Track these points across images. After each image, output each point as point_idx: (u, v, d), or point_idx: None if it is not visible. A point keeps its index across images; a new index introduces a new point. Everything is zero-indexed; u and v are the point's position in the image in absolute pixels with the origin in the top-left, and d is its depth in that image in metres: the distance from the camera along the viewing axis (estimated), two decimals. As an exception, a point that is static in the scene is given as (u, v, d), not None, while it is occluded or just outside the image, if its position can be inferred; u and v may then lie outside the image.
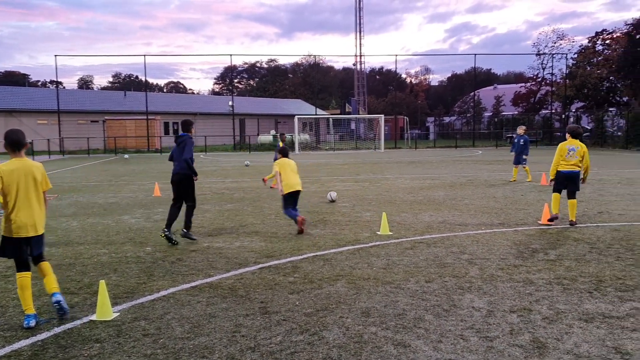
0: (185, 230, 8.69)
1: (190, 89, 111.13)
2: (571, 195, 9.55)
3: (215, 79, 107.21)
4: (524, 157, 17.12)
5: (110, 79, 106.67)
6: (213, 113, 58.83)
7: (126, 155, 39.65)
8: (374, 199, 13.42)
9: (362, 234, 9.09)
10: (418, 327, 4.78)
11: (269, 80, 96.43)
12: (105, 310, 5.15)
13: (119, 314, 5.25)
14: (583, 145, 9.52)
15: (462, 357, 4.16)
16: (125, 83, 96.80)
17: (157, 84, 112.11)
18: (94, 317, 5.13)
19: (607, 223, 9.80)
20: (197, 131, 51.47)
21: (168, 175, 9.15)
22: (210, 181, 18.98)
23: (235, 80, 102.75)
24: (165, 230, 8.44)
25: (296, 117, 45.12)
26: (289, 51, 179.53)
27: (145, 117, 47.10)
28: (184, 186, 8.58)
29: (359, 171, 22.71)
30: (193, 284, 6.29)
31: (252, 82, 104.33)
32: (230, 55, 64.76)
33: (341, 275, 6.53)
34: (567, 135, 9.73)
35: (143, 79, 55.17)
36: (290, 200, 9.39)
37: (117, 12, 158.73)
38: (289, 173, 9.43)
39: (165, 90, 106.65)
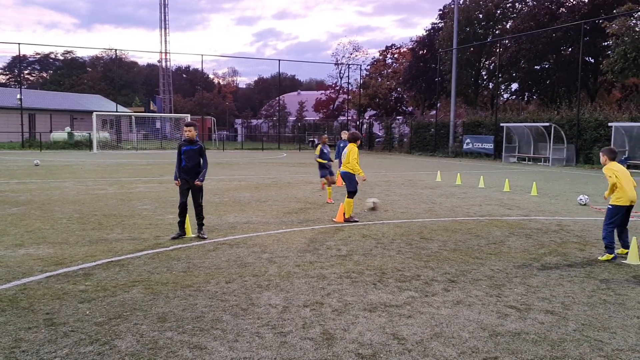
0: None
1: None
2: (349, 195, 10.64)
3: (1, 69, 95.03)
4: None
5: None
6: (-3, 106, 52.18)
7: None
8: (178, 201, 13.08)
9: (164, 237, 8.83)
10: (215, 329, 4.79)
11: (64, 73, 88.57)
12: None
13: None
14: (351, 146, 10.66)
15: (257, 354, 4.28)
16: None
17: None
18: None
19: (391, 220, 10.85)
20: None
21: None
22: (-11, 182, 16.79)
23: (25, 72, 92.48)
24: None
25: (94, 113, 42.07)
26: (88, 43, 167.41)
27: None
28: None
29: (163, 172, 21.98)
30: (-39, 299, 5.52)
31: (45, 75, 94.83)
32: (19, 43, 58.18)
33: (138, 281, 6.26)
34: None
35: None
36: None
37: None
38: None
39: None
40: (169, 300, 5.56)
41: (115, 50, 58.01)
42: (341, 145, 17.83)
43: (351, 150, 10.55)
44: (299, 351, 4.36)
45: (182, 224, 8.88)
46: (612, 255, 7.73)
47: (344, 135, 18.22)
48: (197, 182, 8.72)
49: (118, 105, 55.14)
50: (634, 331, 4.96)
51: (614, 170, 7.81)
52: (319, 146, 15.07)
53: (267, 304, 5.51)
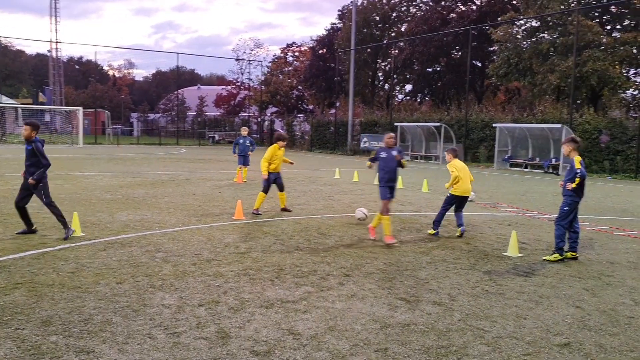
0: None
1: None
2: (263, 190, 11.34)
3: None
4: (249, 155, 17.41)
5: None
6: None
7: None
8: (67, 198, 12.40)
9: (50, 236, 8.33)
10: (104, 331, 4.62)
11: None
12: None
13: None
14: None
15: (148, 356, 4.18)
16: None
17: None
18: None
19: (291, 217, 10.96)
20: None
21: None
22: None
23: None
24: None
25: (-28, 104, 38.72)
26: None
27: None
28: None
29: (52, 168, 20.61)
30: None
31: None
32: None
33: (20, 283, 5.88)
34: None
35: None
36: None
37: None
38: None
39: None
40: (55, 303, 5.28)
41: (1, 37, 53.65)
42: (240, 141, 17.71)
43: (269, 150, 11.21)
44: (192, 351, 4.30)
45: (24, 220, 8.45)
46: (435, 231, 9.43)
47: (244, 131, 18.14)
48: (29, 180, 8.18)
49: (2, 96, 51.08)
50: (512, 319, 5.37)
51: (456, 167, 9.41)
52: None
53: (160, 304, 5.38)
